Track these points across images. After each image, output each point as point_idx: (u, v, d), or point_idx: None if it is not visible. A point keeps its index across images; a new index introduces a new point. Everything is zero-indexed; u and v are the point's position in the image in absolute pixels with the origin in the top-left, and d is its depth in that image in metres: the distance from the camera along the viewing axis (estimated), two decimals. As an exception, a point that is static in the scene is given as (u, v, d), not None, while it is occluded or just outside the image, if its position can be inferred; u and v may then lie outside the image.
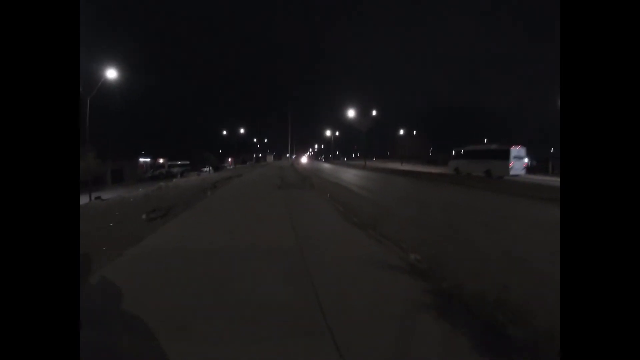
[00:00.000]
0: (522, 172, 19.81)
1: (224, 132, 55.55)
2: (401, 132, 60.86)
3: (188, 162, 43.97)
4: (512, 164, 19.10)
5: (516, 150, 19.51)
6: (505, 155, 19.40)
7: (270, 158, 75.28)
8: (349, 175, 22.41)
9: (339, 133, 70.99)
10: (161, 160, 47.96)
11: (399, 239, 4.69)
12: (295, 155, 56.47)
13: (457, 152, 24.21)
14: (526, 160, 20.76)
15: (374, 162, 52.38)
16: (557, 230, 1.21)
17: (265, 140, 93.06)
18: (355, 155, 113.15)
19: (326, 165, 51.58)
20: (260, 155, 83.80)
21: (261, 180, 14.41)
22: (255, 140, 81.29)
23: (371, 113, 43.68)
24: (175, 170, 41.80)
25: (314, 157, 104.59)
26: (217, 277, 3.06)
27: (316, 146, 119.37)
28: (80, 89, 15.25)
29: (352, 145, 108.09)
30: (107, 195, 15.78)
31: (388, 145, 78.51)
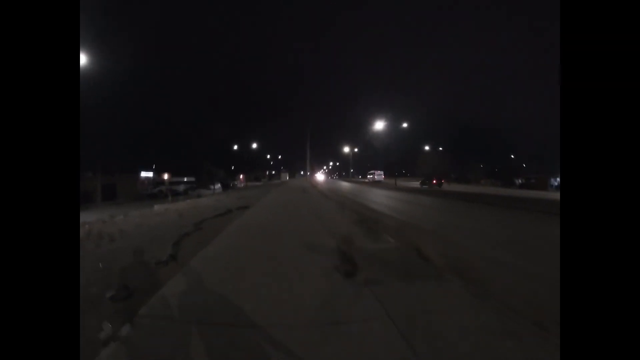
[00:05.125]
0: (381, 179, 53.31)
1: (235, 147, 49.34)
2: (427, 148, 53.78)
3: (193, 179, 37.60)
4: (374, 176, 55.21)
5: (377, 172, 55.87)
6: (373, 173, 56.44)
7: (285, 176, 68.20)
8: (392, 200, 15.40)
9: (351, 151, 64.29)
10: (166, 176, 41.85)
11: None
12: (309, 173, 49.99)
13: (368, 173, 61.81)
14: (382, 175, 55.84)
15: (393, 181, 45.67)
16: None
17: (279, 157, 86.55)
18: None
19: (345, 184, 44.72)
20: (274, 172, 77.04)
21: (283, 227, 7.47)
22: (268, 156, 74.88)
23: (400, 125, 38.14)
24: (180, 187, 35.47)
25: (328, 175, 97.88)
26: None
27: (331, 163, 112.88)
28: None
29: (366, 163, 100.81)
30: (85, 217, 9.32)
31: (407, 163, 70.90)
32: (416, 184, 39.64)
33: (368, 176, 60.56)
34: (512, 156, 65.30)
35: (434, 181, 32.68)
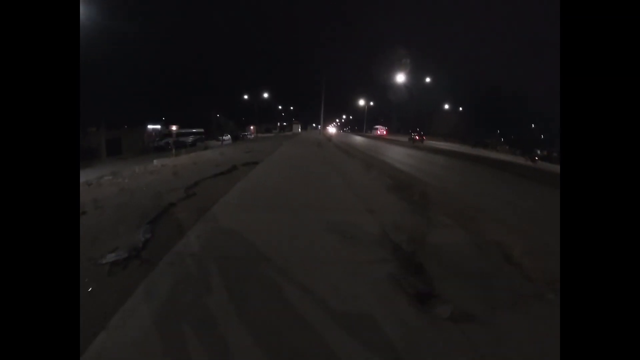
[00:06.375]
0: (384, 133, 58.05)
1: (246, 97, 46.59)
2: (446, 107, 49.99)
3: (202, 130, 36.03)
4: (377, 131, 59.55)
5: (380, 126, 62.94)
6: (377, 128, 61.78)
7: (297, 127, 65.51)
8: (415, 160, 13.63)
9: (366, 104, 60.92)
10: (174, 127, 40.37)
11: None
12: (320, 126, 47.77)
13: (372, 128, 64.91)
14: (383, 130, 60.39)
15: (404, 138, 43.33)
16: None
17: (292, 108, 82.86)
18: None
19: (358, 138, 42.56)
20: (285, 124, 74.12)
21: (300, 196, 5.99)
22: (280, 107, 71.56)
23: (419, 81, 35.34)
24: (189, 139, 34.04)
25: (339, 128, 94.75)
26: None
27: (344, 117, 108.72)
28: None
29: (380, 118, 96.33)
30: (84, 175, 8.05)
31: (423, 120, 66.63)
32: (433, 142, 37.71)
33: (372, 131, 62.88)
34: (533, 125, 59.93)
35: (417, 137, 38.41)
